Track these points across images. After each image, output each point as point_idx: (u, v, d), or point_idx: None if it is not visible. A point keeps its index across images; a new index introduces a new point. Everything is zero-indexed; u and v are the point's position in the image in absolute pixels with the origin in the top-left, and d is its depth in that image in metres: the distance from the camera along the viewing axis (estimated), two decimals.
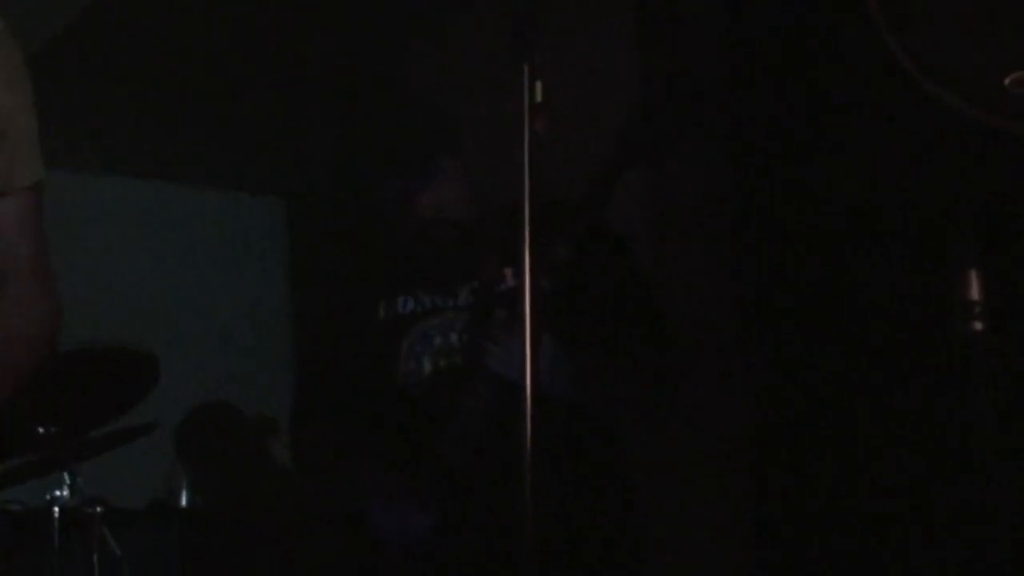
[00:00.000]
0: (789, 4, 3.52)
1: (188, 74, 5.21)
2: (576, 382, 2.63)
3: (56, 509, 3.53)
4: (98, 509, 3.46)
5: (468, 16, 4.72)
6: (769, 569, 3.56)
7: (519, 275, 2.73)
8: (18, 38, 1.84)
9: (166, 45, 4.99)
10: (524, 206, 2.03)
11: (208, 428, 5.18)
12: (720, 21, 3.74)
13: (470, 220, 2.79)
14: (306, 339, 3.08)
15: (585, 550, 2.67)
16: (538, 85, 2.08)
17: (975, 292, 2.41)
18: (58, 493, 3.55)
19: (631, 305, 2.78)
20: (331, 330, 2.98)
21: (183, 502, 5.36)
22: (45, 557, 3.74)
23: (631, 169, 2.54)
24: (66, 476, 3.56)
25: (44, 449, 3.61)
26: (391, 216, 2.80)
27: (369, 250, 3.03)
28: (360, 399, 2.85)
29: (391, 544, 2.68)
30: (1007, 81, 2.11)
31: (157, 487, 5.42)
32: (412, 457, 2.71)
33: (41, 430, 3.51)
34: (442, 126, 2.81)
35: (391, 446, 2.79)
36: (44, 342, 1.80)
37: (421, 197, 2.73)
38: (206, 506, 4.93)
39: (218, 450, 5.06)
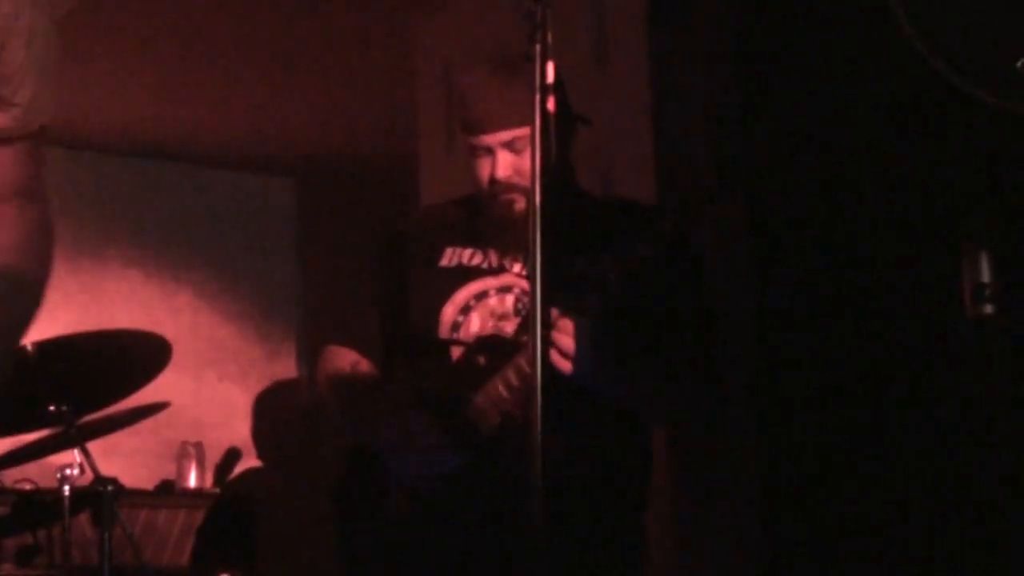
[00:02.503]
0: None
1: (196, 51, 5.21)
2: (620, 381, 2.64)
3: (67, 488, 3.53)
4: (109, 488, 3.47)
5: None
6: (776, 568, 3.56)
7: (591, 266, 2.75)
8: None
9: (176, 25, 4.99)
10: (534, 188, 2.02)
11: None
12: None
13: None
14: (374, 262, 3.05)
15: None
16: (550, 65, 2.07)
17: (986, 274, 2.40)
18: (69, 472, 3.56)
19: (690, 316, 2.78)
20: (390, 266, 2.97)
21: (192, 482, 5.39)
22: (56, 536, 3.75)
23: (724, 196, 2.53)
24: (77, 455, 3.57)
25: (55, 427, 3.62)
26: (470, 169, 2.79)
27: (446, 200, 3.02)
28: (399, 337, 2.85)
29: (400, 483, 2.67)
30: (1019, 64, 2.10)
31: (168, 467, 5.45)
32: (439, 405, 2.70)
33: (52, 408, 3.52)
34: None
35: (414, 387, 2.78)
36: (47, 256, 1.97)
37: (504, 159, 2.72)
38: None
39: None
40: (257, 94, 5.58)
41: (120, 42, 4.99)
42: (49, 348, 3.50)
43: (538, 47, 2.06)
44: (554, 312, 2.56)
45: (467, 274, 2.81)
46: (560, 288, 2.69)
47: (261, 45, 5.16)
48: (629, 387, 2.70)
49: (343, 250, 5.42)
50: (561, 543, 1.92)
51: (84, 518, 3.66)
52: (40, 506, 3.66)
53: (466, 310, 2.79)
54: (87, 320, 5.50)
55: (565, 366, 2.52)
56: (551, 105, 2.07)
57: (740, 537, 3.68)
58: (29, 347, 3.45)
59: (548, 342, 2.13)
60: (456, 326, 2.78)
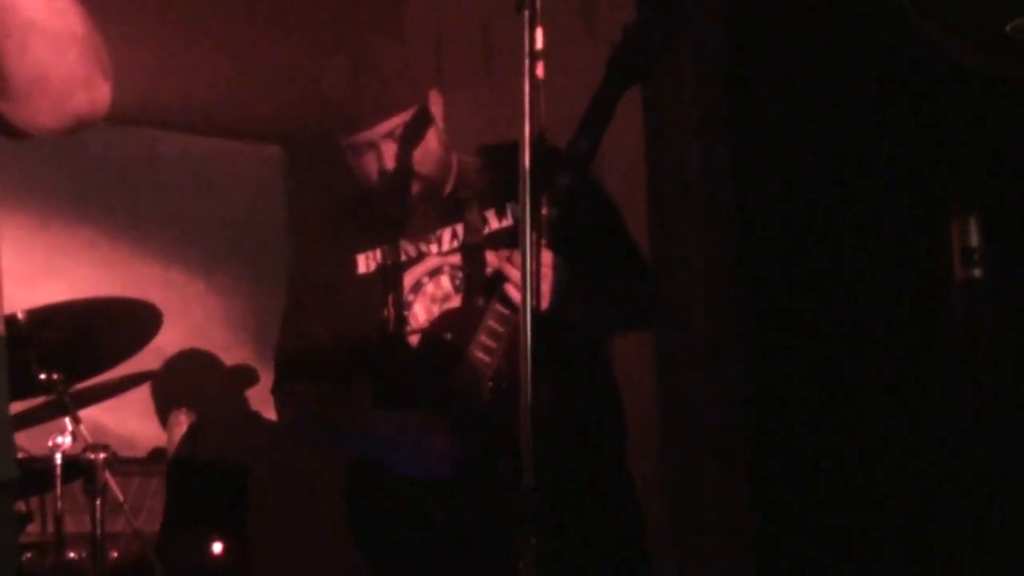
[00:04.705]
0: None
1: (181, 16, 5.19)
2: (577, 303, 2.67)
3: (58, 456, 3.54)
4: (101, 455, 3.47)
5: None
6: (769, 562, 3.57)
7: (501, 216, 2.79)
8: None
9: None
10: (524, 155, 2.02)
11: (186, 376, 5.22)
12: None
13: (439, 169, 2.79)
14: (287, 300, 3.04)
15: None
16: (539, 32, 2.07)
17: (974, 239, 2.41)
18: (60, 440, 3.56)
19: (613, 230, 2.84)
20: (311, 289, 2.96)
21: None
22: (48, 504, 3.76)
23: (622, 92, 2.56)
24: (68, 423, 3.57)
25: (47, 396, 3.63)
26: (354, 168, 2.80)
27: (343, 204, 3.00)
28: (352, 353, 2.85)
29: (415, 479, 2.67)
30: (1008, 28, 2.10)
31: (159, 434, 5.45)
32: (419, 403, 2.72)
33: (43, 376, 3.52)
34: (406, 77, 2.79)
35: (395, 393, 2.80)
36: None
37: (389, 151, 2.72)
38: (185, 452, 4.96)
39: (194, 397, 5.09)
40: (245, 60, 5.56)
41: (103, 5, 4.96)
42: (39, 316, 3.50)
43: (527, 13, 2.07)
44: (515, 258, 2.60)
45: (392, 272, 2.82)
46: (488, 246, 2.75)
47: (250, 9, 5.14)
48: (593, 307, 2.75)
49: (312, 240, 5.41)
50: (556, 498, 1.93)
51: (77, 486, 3.66)
52: (32, 474, 3.66)
53: (407, 305, 2.80)
54: (74, 290, 5.49)
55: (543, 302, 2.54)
56: (540, 71, 2.08)
57: (732, 523, 3.70)
58: (20, 315, 3.45)
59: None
60: (404, 322, 2.79)
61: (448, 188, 2.84)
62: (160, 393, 5.21)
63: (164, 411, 5.15)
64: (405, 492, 2.69)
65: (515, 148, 2.01)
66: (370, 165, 2.76)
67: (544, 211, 2.47)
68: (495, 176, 2.80)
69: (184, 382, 5.33)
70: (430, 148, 2.77)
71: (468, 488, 2.65)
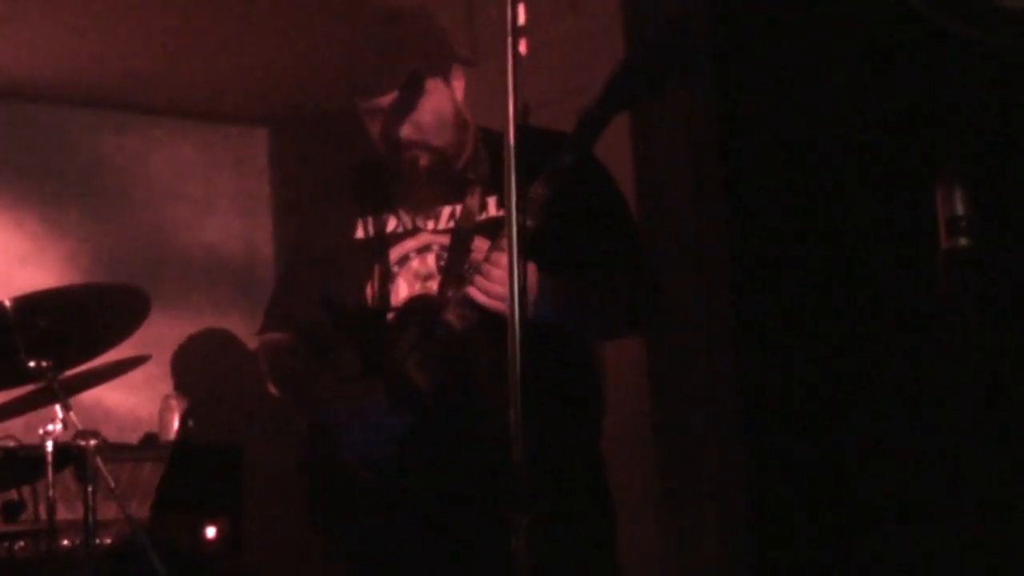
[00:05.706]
0: None
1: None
2: (559, 306, 2.65)
3: (49, 443, 3.53)
4: (92, 442, 3.47)
5: None
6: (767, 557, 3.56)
7: (502, 205, 2.77)
8: None
9: None
10: (508, 130, 2.01)
11: (205, 355, 5.22)
12: None
13: (453, 145, 2.78)
14: (285, 252, 3.09)
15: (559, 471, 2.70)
16: (520, 8, 2.06)
17: (960, 207, 2.41)
18: (51, 427, 3.56)
19: (613, 231, 2.81)
20: (308, 246, 2.99)
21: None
22: (41, 491, 3.76)
23: (613, 115, 2.54)
24: (59, 410, 3.56)
25: (37, 383, 3.62)
26: (369, 134, 2.79)
27: (348, 168, 3.01)
28: (332, 314, 2.87)
29: (354, 455, 2.70)
30: None
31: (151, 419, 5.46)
32: (378, 374, 2.73)
33: (32, 364, 3.51)
34: (430, 46, 2.78)
35: (360, 361, 2.81)
36: None
37: (400, 117, 2.72)
38: (203, 434, 4.98)
39: (215, 377, 5.10)
40: (230, 39, 5.53)
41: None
42: (27, 303, 3.49)
43: None
44: (487, 249, 2.60)
45: (385, 242, 2.82)
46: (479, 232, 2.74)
47: None
48: (580, 308, 2.73)
49: (319, 199, 5.39)
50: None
51: (68, 473, 3.66)
52: (23, 462, 3.66)
53: (391, 278, 2.80)
54: (62, 276, 5.49)
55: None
56: (523, 48, 2.07)
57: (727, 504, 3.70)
58: (7, 303, 3.44)
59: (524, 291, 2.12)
60: (385, 295, 2.79)
61: (460, 164, 2.82)
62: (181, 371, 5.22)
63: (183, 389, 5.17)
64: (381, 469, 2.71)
65: (529, 132, 2.01)
66: (377, 130, 2.76)
67: (542, 195, 2.48)
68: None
69: (190, 369, 5.34)
70: (444, 120, 2.75)
71: (411, 478, 2.67)
